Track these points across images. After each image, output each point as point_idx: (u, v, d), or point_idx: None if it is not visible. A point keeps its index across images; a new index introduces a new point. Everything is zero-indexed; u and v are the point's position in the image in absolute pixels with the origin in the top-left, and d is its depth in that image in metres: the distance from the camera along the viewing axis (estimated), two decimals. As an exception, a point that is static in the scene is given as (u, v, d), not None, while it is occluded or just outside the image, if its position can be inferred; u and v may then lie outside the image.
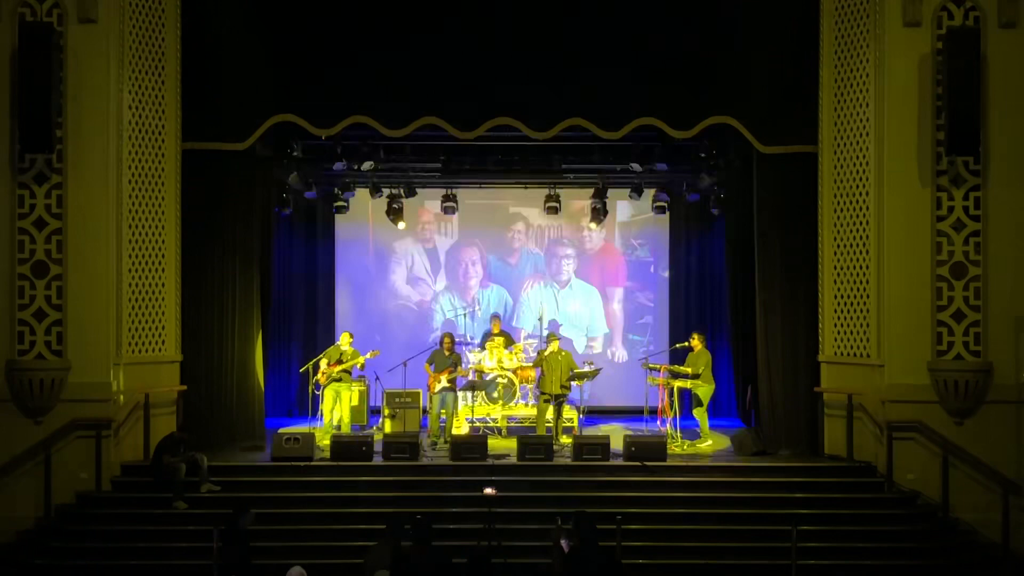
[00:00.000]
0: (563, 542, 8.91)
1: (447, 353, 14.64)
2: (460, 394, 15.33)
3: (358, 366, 14.96)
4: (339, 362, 14.70)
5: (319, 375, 14.68)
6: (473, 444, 13.35)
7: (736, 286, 16.57)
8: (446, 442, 14.05)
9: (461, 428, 15.01)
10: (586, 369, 14.94)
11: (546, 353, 14.66)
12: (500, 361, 15.74)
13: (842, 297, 13.64)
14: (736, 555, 11.56)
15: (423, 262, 18.03)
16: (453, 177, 16.47)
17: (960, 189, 12.94)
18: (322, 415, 14.86)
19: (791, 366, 13.90)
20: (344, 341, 14.90)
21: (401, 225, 16.62)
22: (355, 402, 15.21)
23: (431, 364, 14.63)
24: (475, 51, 13.62)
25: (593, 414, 16.33)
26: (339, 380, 14.72)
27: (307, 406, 14.79)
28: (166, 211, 13.53)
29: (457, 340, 15.45)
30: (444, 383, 14.48)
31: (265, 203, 15.31)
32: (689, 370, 14.21)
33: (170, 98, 13.48)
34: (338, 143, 14.78)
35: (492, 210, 18.11)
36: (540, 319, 17.06)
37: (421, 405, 15.27)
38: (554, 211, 16.62)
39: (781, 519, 11.71)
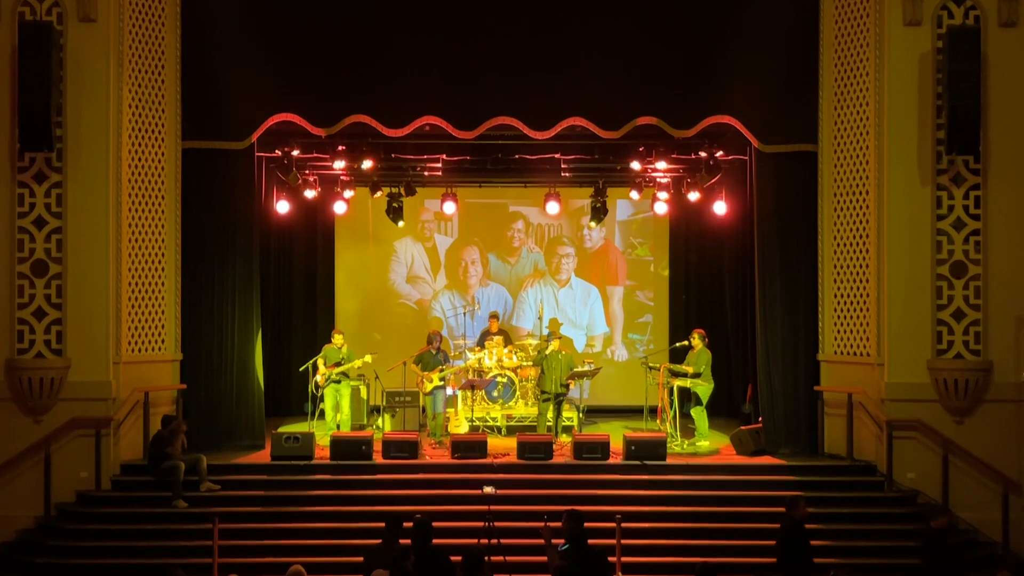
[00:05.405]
0: (553, 542, 8.89)
1: (435, 352, 14.63)
2: (459, 393, 15.33)
3: (356, 367, 14.92)
4: (337, 364, 14.68)
5: (318, 376, 14.67)
6: (473, 444, 13.36)
7: (736, 285, 16.58)
8: (438, 442, 14.06)
9: (461, 427, 15.01)
10: (586, 368, 14.94)
11: (547, 352, 14.66)
12: (500, 360, 15.74)
13: (842, 296, 13.64)
14: (736, 554, 11.56)
15: (423, 261, 18.02)
16: (453, 176, 16.45)
17: (960, 188, 12.95)
18: (324, 413, 14.85)
19: (791, 365, 13.89)
20: (337, 341, 14.88)
21: (401, 224, 16.61)
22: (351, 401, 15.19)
23: (418, 363, 14.61)
24: (475, 51, 13.61)
25: (593, 413, 16.33)
26: (338, 381, 14.72)
27: (307, 406, 14.76)
28: (166, 210, 13.54)
29: (450, 338, 15.47)
30: (436, 382, 14.47)
31: (265, 202, 15.32)
32: (690, 369, 14.19)
33: (170, 97, 13.50)
34: (338, 142, 14.77)
35: (492, 209, 18.10)
36: (540, 318, 17.06)
37: (421, 404, 15.27)
38: (554, 210, 16.61)
39: (781, 519, 11.68)
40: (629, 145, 15.01)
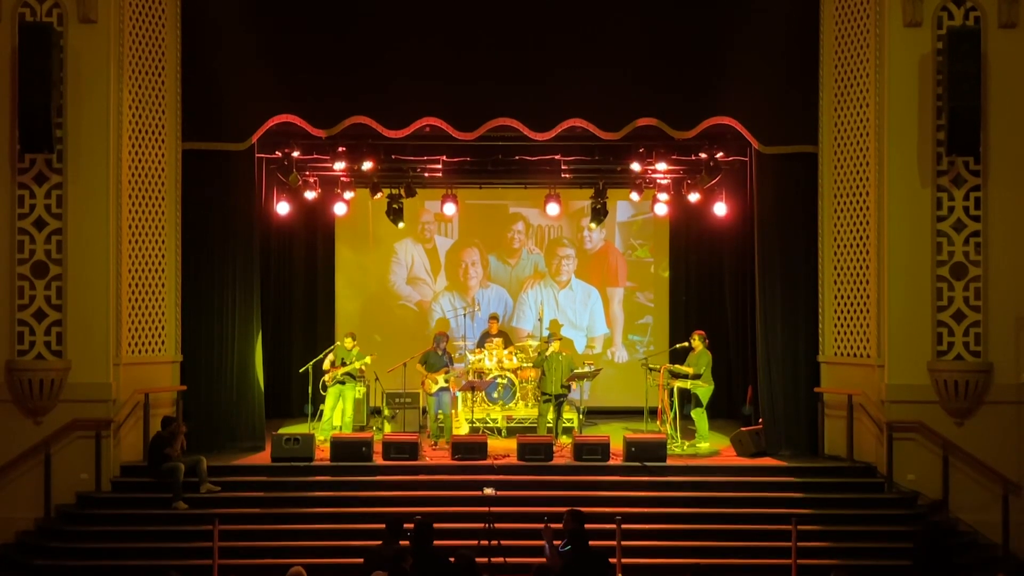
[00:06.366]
0: (555, 543, 8.89)
1: (440, 353, 14.63)
2: (459, 395, 15.32)
3: (360, 368, 14.92)
4: (344, 364, 14.70)
5: (326, 376, 14.67)
6: (473, 444, 13.36)
7: (736, 286, 16.58)
8: (447, 443, 14.06)
9: (461, 428, 15.00)
10: (586, 370, 14.94)
11: (547, 353, 14.66)
12: (500, 361, 15.73)
13: (842, 297, 13.64)
14: (736, 555, 11.56)
15: (423, 262, 18.02)
16: (453, 178, 16.45)
17: (960, 189, 12.95)
18: (323, 414, 14.84)
19: (791, 366, 13.88)
20: (348, 343, 14.89)
21: (401, 225, 16.61)
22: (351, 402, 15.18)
23: (423, 364, 14.60)
24: (475, 52, 13.60)
25: (593, 415, 16.32)
26: (343, 383, 14.72)
27: (307, 407, 14.76)
28: (166, 211, 13.54)
29: (452, 339, 15.46)
30: (441, 383, 14.46)
31: (265, 204, 15.32)
32: (690, 370, 14.19)
33: (170, 98, 13.50)
34: (338, 143, 14.77)
35: (492, 210, 18.10)
36: (540, 320, 17.06)
37: (421, 406, 15.27)
38: (554, 211, 16.60)
39: (781, 519, 11.70)
40: (629, 146, 15.00)
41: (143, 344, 13.31)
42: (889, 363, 12.97)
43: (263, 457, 13.48)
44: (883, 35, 13.04)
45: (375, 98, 13.63)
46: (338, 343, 15.25)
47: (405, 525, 8.99)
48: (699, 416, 14.32)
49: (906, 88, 12.98)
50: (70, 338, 12.73)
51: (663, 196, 16.39)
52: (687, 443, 14.26)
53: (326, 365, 14.71)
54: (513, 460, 13.23)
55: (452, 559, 8.18)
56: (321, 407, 14.86)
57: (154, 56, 13.35)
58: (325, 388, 14.73)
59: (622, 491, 12.56)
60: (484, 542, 10.31)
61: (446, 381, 14.51)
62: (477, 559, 8.48)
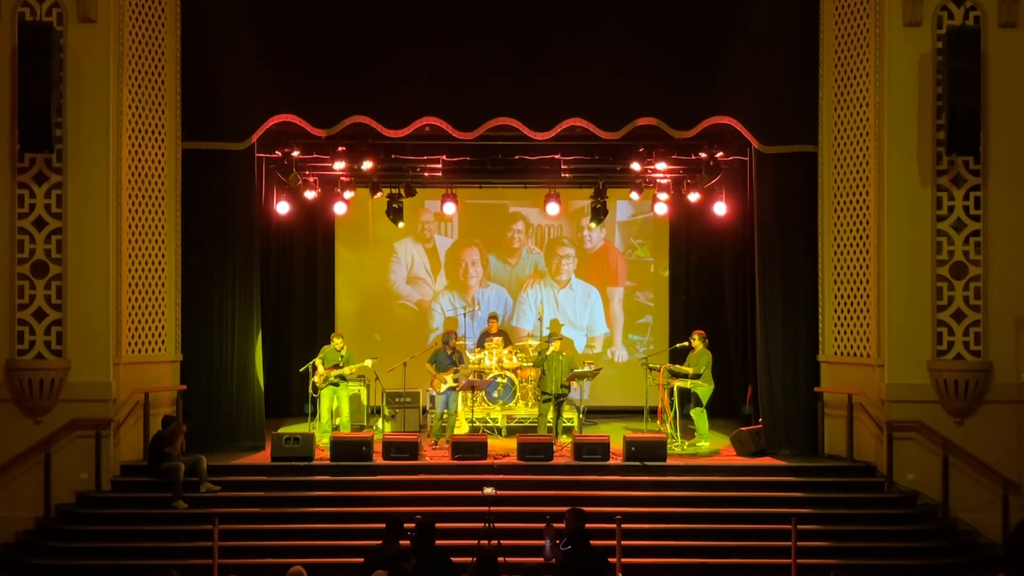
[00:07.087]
0: (556, 541, 8.89)
1: (449, 352, 14.62)
2: (460, 394, 15.31)
3: (353, 371, 14.88)
4: (336, 366, 14.65)
5: (316, 377, 14.64)
6: (473, 444, 13.36)
7: (736, 286, 16.58)
8: (447, 442, 14.06)
9: (461, 428, 14.99)
10: (586, 369, 14.94)
11: (548, 353, 14.66)
12: (500, 361, 15.73)
13: (842, 297, 13.64)
14: (736, 555, 11.56)
15: (423, 262, 18.01)
16: (453, 177, 16.45)
17: (960, 189, 12.95)
18: (320, 415, 14.83)
19: (791, 366, 13.89)
20: (337, 344, 14.85)
21: (401, 225, 16.60)
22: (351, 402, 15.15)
23: (433, 363, 14.59)
24: (475, 51, 13.60)
25: (593, 414, 16.32)
26: (336, 384, 14.68)
27: (307, 407, 14.76)
28: (166, 211, 13.54)
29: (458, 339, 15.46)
30: (450, 383, 14.45)
31: (265, 203, 15.32)
32: (690, 370, 14.18)
33: (170, 98, 13.50)
34: (338, 142, 14.76)
35: (492, 210, 18.10)
36: (540, 319, 17.06)
37: (421, 405, 15.26)
38: (554, 211, 16.60)
39: (781, 519, 11.70)
40: (629, 146, 15.01)
41: (143, 344, 13.31)
42: (889, 363, 12.97)
43: (263, 457, 13.48)
44: (883, 35, 13.04)
45: (375, 98, 13.63)
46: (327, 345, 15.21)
47: (405, 525, 8.99)
48: (699, 416, 14.32)
49: (906, 88, 12.98)
50: (70, 338, 12.73)
51: (663, 196, 16.38)
52: (687, 443, 14.26)
53: (320, 371, 14.67)
54: (513, 460, 13.23)
55: (475, 557, 8.16)
56: (320, 408, 14.84)
57: (154, 56, 13.36)
58: (316, 390, 14.67)
59: (622, 491, 12.56)
60: (484, 542, 10.31)
61: (455, 381, 14.50)
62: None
